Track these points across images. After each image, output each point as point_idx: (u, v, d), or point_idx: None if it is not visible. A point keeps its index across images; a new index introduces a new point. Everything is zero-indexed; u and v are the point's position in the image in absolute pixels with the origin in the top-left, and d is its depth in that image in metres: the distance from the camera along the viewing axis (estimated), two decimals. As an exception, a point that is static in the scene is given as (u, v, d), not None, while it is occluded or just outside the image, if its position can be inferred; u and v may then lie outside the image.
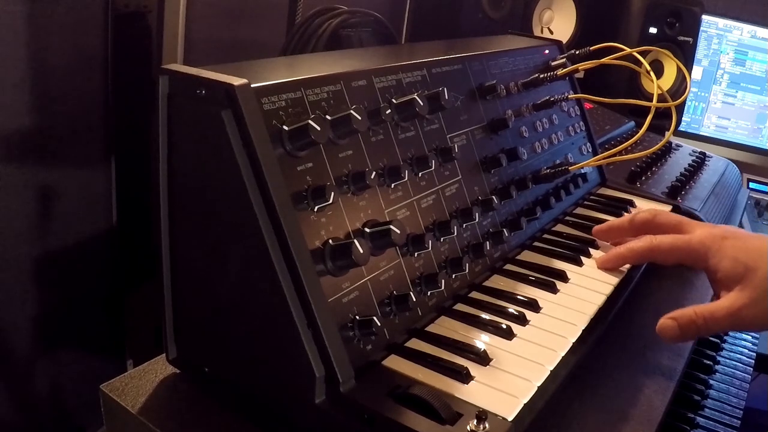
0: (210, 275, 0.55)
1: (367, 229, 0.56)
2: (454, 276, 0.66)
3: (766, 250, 0.68)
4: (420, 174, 0.65)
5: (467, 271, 0.66)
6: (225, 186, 0.51)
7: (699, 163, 1.30)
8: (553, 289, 0.70)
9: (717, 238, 0.71)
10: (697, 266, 0.72)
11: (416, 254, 0.61)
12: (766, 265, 0.66)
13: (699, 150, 1.39)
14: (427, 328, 0.61)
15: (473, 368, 0.55)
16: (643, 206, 0.98)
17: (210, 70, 0.51)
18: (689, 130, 2.15)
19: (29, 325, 1.09)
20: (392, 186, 0.61)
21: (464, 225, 0.68)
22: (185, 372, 0.61)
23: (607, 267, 0.76)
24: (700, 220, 0.98)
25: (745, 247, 0.69)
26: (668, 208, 0.99)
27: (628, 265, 0.77)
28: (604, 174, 1.05)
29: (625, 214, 0.93)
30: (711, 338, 0.97)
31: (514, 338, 0.61)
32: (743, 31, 2.08)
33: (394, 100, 0.63)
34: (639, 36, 1.66)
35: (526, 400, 0.53)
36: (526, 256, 0.77)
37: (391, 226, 0.54)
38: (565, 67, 0.92)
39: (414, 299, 0.57)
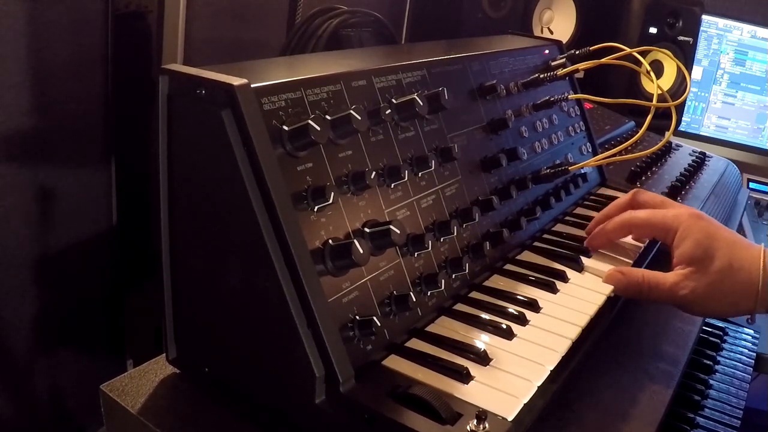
0: (210, 275, 0.55)
1: (367, 229, 0.56)
2: (454, 276, 0.66)
3: (732, 242, 0.69)
4: (420, 174, 0.65)
5: (467, 271, 0.66)
6: (225, 186, 0.51)
7: (699, 163, 1.30)
8: (553, 289, 0.70)
9: (692, 217, 0.72)
10: (666, 241, 0.74)
11: (416, 254, 0.61)
12: (725, 257, 0.67)
13: (699, 150, 1.39)
14: (427, 328, 0.61)
15: (473, 368, 0.55)
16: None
17: (210, 70, 0.51)
18: (689, 130, 2.15)
19: (29, 325, 1.09)
20: (392, 186, 0.61)
21: (464, 225, 0.68)
22: (185, 372, 0.61)
23: (594, 244, 0.78)
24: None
25: (712, 234, 0.70)
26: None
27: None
28: (604, 174, 1.05)
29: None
30: (711, 338, 0.97)
31: (514, 338, 0.61)
32: (743, 31, 2.08)
33: (394, 100, 0.63)
34: (639, 36, 1.66)
35: (526, 400, 0.53)
36: (526, 256, 0.77)
37: (391, 226, 0.54)
38: (565, 67, 0.92)
39: (414, 299, 0.57)
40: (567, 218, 0.90)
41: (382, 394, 0.51)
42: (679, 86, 1.68)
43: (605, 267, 0.76)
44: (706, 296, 0.68)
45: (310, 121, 0.51)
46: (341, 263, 0.52)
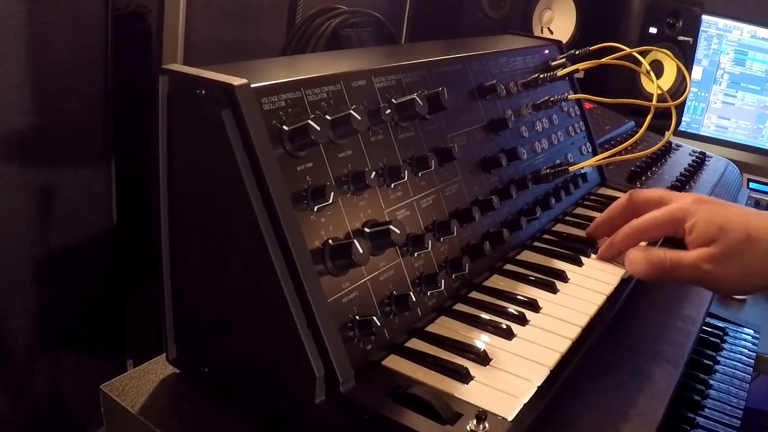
0: (210, 275, 0.55)
1: (366, 229, 0.56)
2: (454, 276, 0.66)
3: (745, 215, 0.68)
4: (420, 174, 0.65)
5: (467, 271, 0.66)
6: (225, 186, 0.51)
7: (699, 163, 1.30)
8: (553, 289, 0.70)
9: (696, 202, 0.71)
10: (678, 234, 0.72)
11: (416, 254, 0.61)
12: (741, 230, 0.66)
13: (699, 150, 1.39)
14: (427, 328, 0.61)
15: (473, 368, 0.55)
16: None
17: (210, 70, 0.51)
18: (689, 130, 2.15)
19: (29, 325, 1.09)
20: (392, 186, 0.61)
21: (464, 225, 0.68)
22: (185, 372, 0.61)
23: (606, 257, 0.77)
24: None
25: (722, 213, 0.69)
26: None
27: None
28: (604, 174, 1.05)
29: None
30: (711, 338, 0.97)
31: (514, 338, 0.61)
32: (743, 31, 2.08)
33: (394, 100, 0.63)
34: (639, 36, 1.66)
35: (526, 400, 0.53)
36: (526, 256, 0.77)
37: (391, 226, 0.54)
38: (565, 67, 0.92)
39: (414, 299, 0.57)
40: (567, 218, 0.90)
41: (382, 394, 0.51)
42: (679, 86, 1.68)
43: (606, 267, 0.76)
44: (731, 269, 0.66)
45: (310, 121, 0.51)
46: (341, 263, 0.52)
